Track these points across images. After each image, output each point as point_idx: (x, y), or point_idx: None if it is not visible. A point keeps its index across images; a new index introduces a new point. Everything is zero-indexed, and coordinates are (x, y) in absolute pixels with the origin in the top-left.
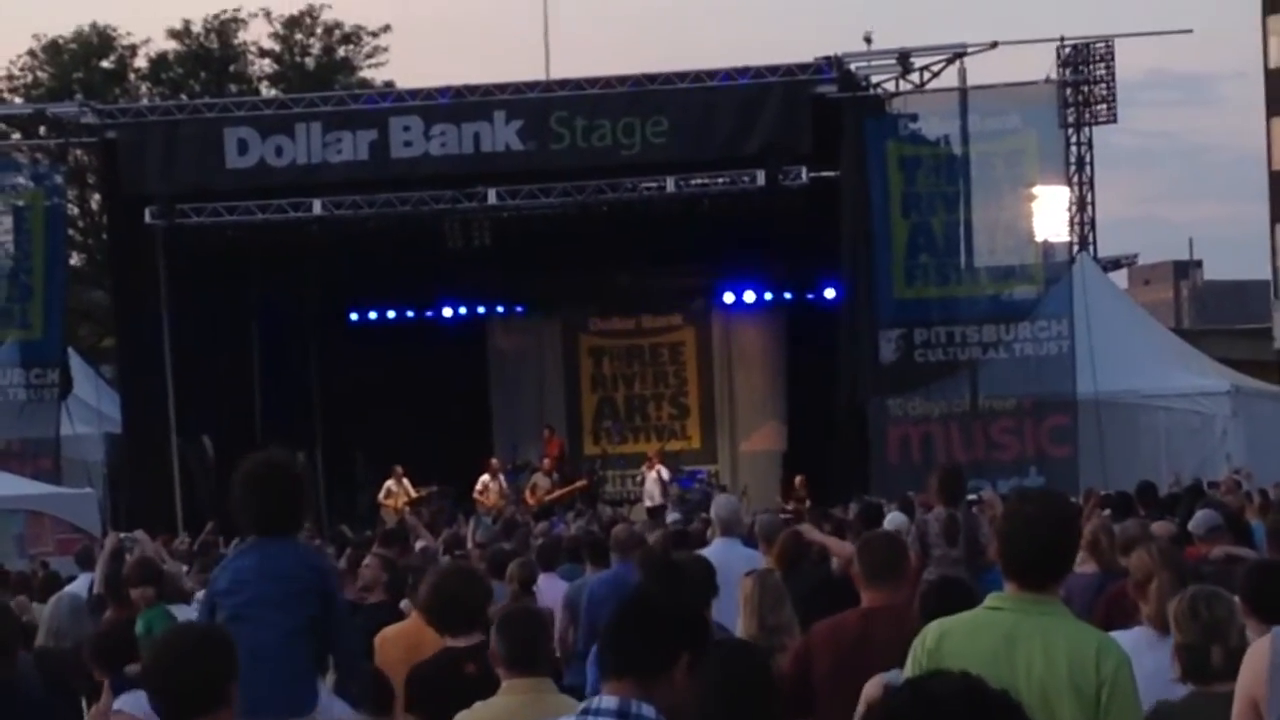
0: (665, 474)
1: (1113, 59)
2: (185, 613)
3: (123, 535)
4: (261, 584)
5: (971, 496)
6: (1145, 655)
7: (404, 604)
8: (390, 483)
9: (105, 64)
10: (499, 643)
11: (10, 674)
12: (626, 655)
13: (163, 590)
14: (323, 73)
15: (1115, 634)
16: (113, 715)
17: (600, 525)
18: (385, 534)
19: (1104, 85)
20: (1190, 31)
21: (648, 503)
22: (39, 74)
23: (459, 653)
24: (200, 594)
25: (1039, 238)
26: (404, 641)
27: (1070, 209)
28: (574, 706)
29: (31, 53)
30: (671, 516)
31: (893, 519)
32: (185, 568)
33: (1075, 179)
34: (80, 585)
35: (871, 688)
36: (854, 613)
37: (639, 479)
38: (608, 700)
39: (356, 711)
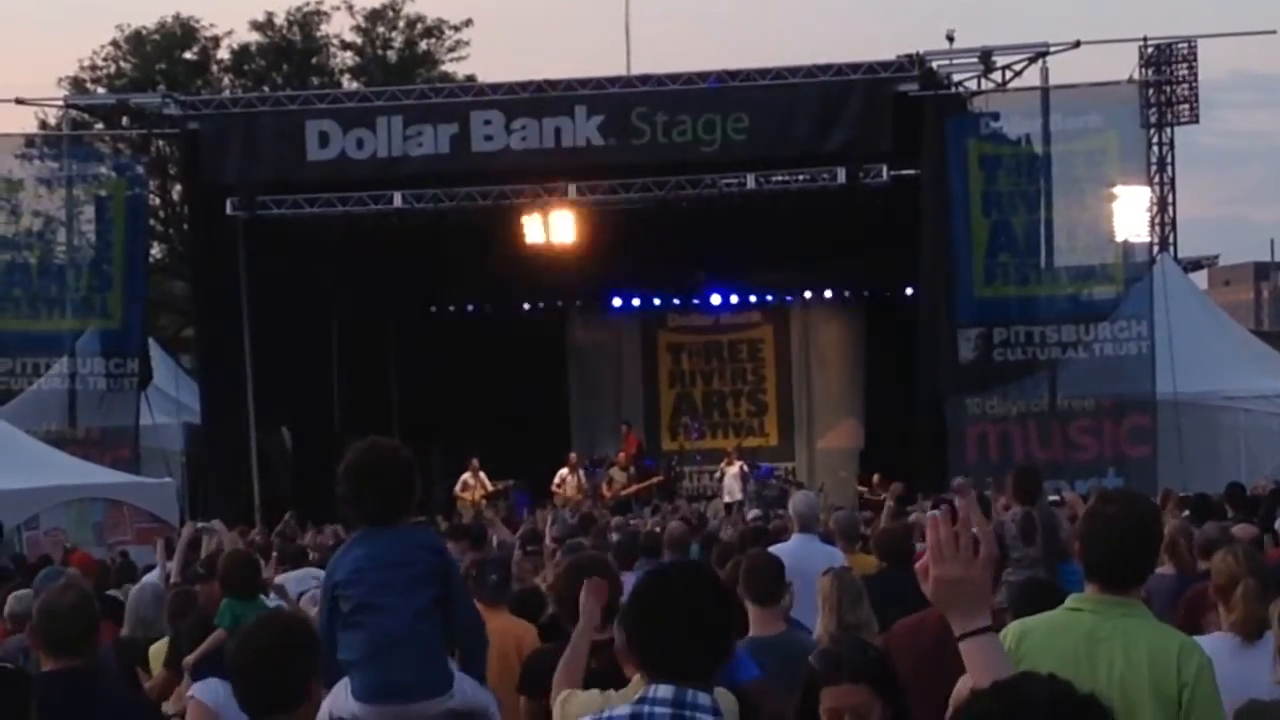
0: (744, 469)
1: (1195, 59)
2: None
3: (200, 525)
4: (382, 571)
5: (1053, 497)
6: (1229, 663)
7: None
8: (466, 475)
9: (188, 55)
10: (624, 635)
11: (92, 663)
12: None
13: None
14: (404, 66)
15: (1197, 638)
16: (185, 701)
17: (681, 520)
18: (454, 529)
19: (1186, 85)
20: (1273, 32)
21: (726, 498)
22: (122, 64)
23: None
24: (283, 581)
25: (1119, 238)
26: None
27: (1151, 209)
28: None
29: (115, 43)
30: (752, 513)
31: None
32: (262, 558)
33: (1156, 179)
34: (158, 574)
35: (963, 687)
36: (935, 612)
37: (718, 475)
38: (663, 690)
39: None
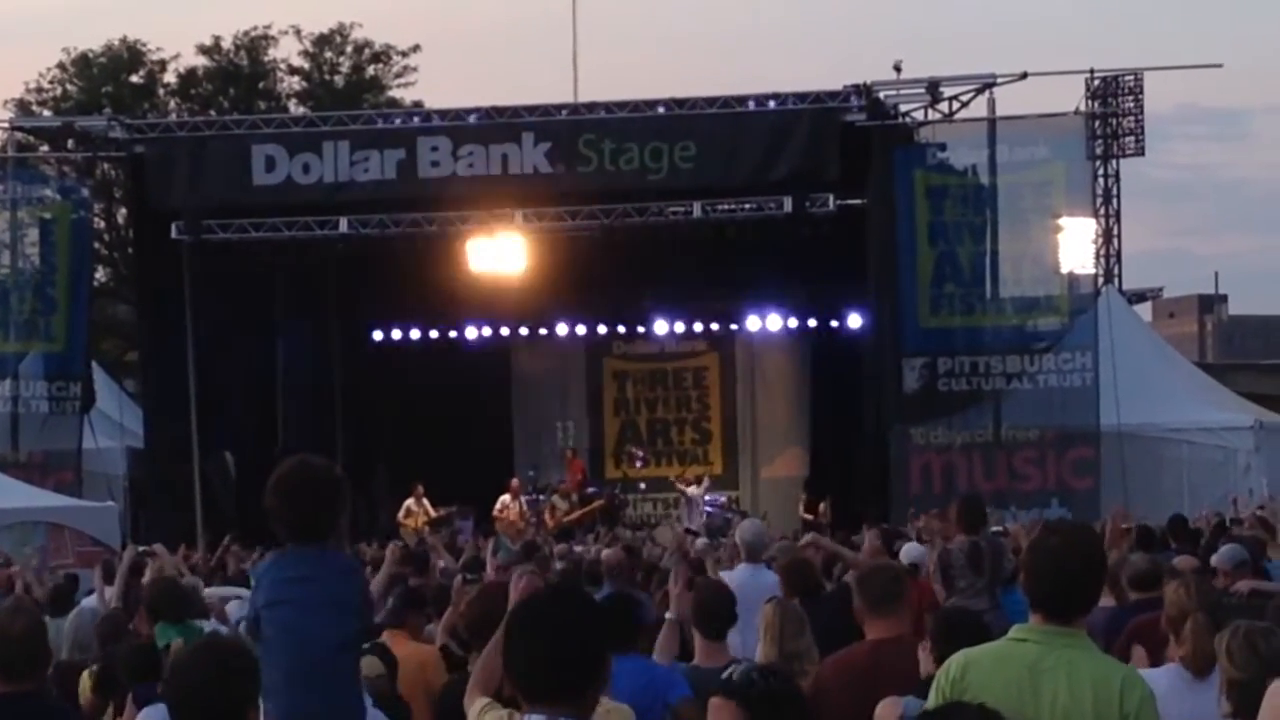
0: (697, 495)
1: (1141, 92)
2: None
3: (140, 549)
4: (305, 593)
5: (997, 527)
6: (1180, 697)
7: (429, 628)
8: (410, 502)
9: (134, 79)
10: None
11: (41, 688)
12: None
13: (179, 610)
14: (351, 91)
15: (1148, 672)
16: None
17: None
18: (402, 555)
19: (1132, 118)
20: (1220, 66)
21: (686, 524)
22: (68, 87)
23: None
24: (218, 599)
25: (1064, 269)
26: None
27: (1096, 241)
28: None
29: (61, 66)
30: (699, 541)
31: (908, 551)
32: (204, 582)
33: (1102, 211)
34: (95, 601)
35: (884, 709)
36: (863, 645)
37: (678, 499)
38: (535, 718)
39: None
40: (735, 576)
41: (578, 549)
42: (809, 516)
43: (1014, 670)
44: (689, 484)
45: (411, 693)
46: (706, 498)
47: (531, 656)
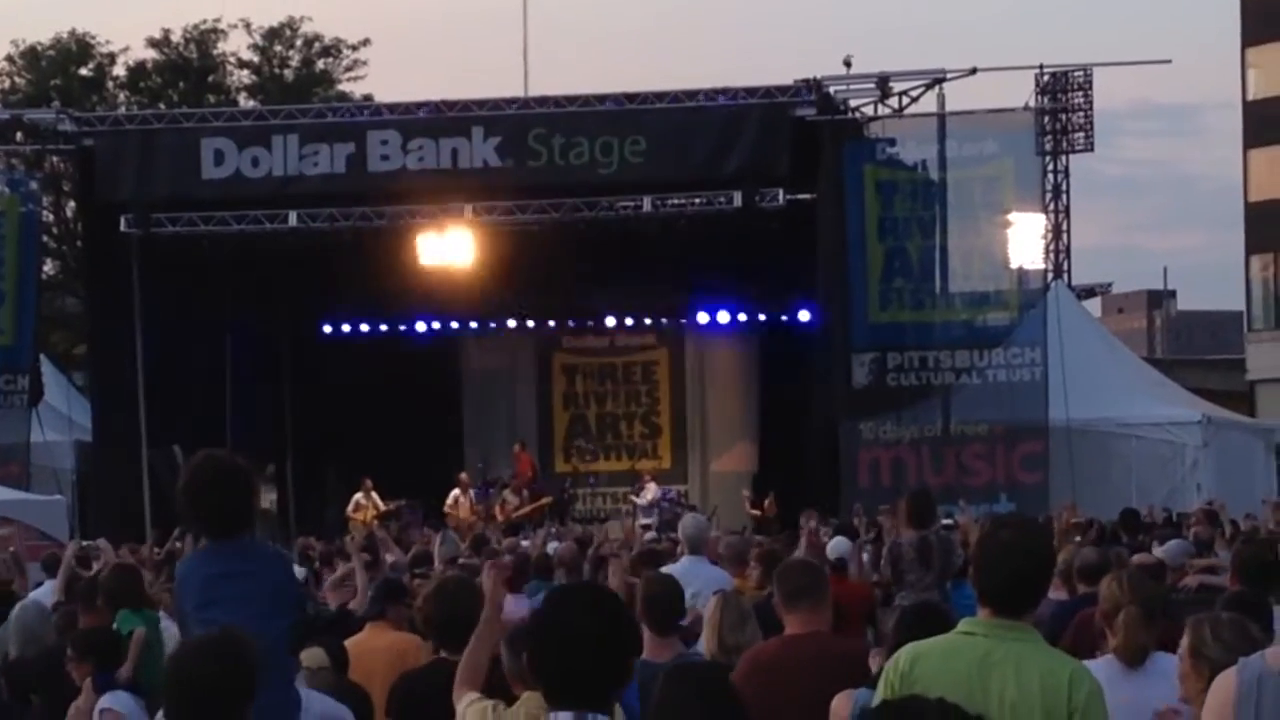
0: (654, 493)
1: (1091, 88)
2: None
3: (85, 543)
4: (239, 587)
5: (946, 521)
6: (1118, 687)
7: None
8: (359, 495)
9: (83, 71)
10: (512, 658)
11: None
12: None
13: (139, 597)
14: (301, 85)
15: (1086, 663)
16: (102, 714)
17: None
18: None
19: (1082, 114)
20: (1169, 62)
21: (643, 520)
22: (16, 80)
23: (456, 667)
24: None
25: (1014, 264)
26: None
27: (1046, 236)
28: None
29: (9, 58)
30: (647, 535)
31: (835, 546)
32: (152, 576)
33: (1051, 206)
34: (45, 592)
35: (839, 702)
36: (773, 641)
37: (636, 490)
38: (562, 717)
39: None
40: (677, 569)
41: (524, 543)
42: (756, 512)
43: (962, 664)
44: (639, 491)
45: (390, 682)
46: (662, 491)
47: (563, 661)
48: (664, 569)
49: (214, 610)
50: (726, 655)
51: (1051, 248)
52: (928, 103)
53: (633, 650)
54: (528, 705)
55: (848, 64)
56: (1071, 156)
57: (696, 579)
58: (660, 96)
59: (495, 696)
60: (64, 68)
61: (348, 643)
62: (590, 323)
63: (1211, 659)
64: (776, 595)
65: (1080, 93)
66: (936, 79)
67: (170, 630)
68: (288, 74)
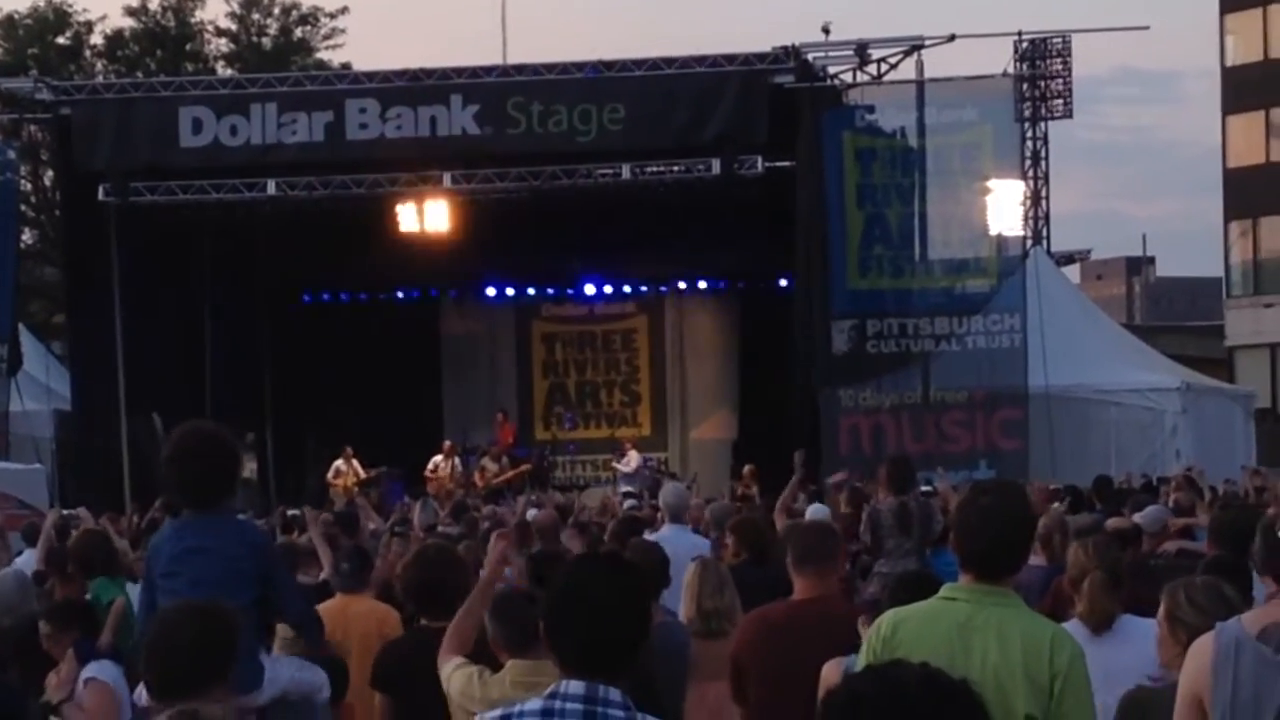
0: (636, 460)
1: (1070, 54)
2: (131, 589)
3: (65, 512)
4: (201, 565)
5: (925, 488)
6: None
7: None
8: (339, 463)
9: (61, 40)
10: (497, 626)
11: None
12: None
13: (112, 564)
14: (279, 53)
15: None
16: (87, 684)
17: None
18: (329, 516)
19: (1061, 80)
20: (1147, 28)
21: (624, 487)
22: None
23: (437, 634)
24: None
25: (993, 231)
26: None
27: (1024, 203)
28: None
29: None
30: (627, 503)
31: (814, 511)
32: (131, 546)
33: (1030, 173)
34: (25, 561)
35: (829, 670)
36: (781, 603)
37: (619, 457)
38: (574, 685)
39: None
40: (659, 538)
41: (500, 510)
42: (747, 490)
43: (944, 628)
44: (621, 456)
45: (367, 651)
46: (643, 459)
47: (582, 630)
48: (649, 537)
49: (174, 581)
50: (705, 620)
51: (1030, 214)
52: (906, 70)
53: (649, 621)
54: (512, 672)
55: (826, 31)
56: (1050, 123)
57: (679, 547)
58: (639, 64)
59: (480, 663)
60: (41, 36)
61: (320, 609)
62: (570, 291)
63: (1187, 623)
64: (790, 554)
65: (1059, 59)
66: (915, 46)
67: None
68: (266, 42)
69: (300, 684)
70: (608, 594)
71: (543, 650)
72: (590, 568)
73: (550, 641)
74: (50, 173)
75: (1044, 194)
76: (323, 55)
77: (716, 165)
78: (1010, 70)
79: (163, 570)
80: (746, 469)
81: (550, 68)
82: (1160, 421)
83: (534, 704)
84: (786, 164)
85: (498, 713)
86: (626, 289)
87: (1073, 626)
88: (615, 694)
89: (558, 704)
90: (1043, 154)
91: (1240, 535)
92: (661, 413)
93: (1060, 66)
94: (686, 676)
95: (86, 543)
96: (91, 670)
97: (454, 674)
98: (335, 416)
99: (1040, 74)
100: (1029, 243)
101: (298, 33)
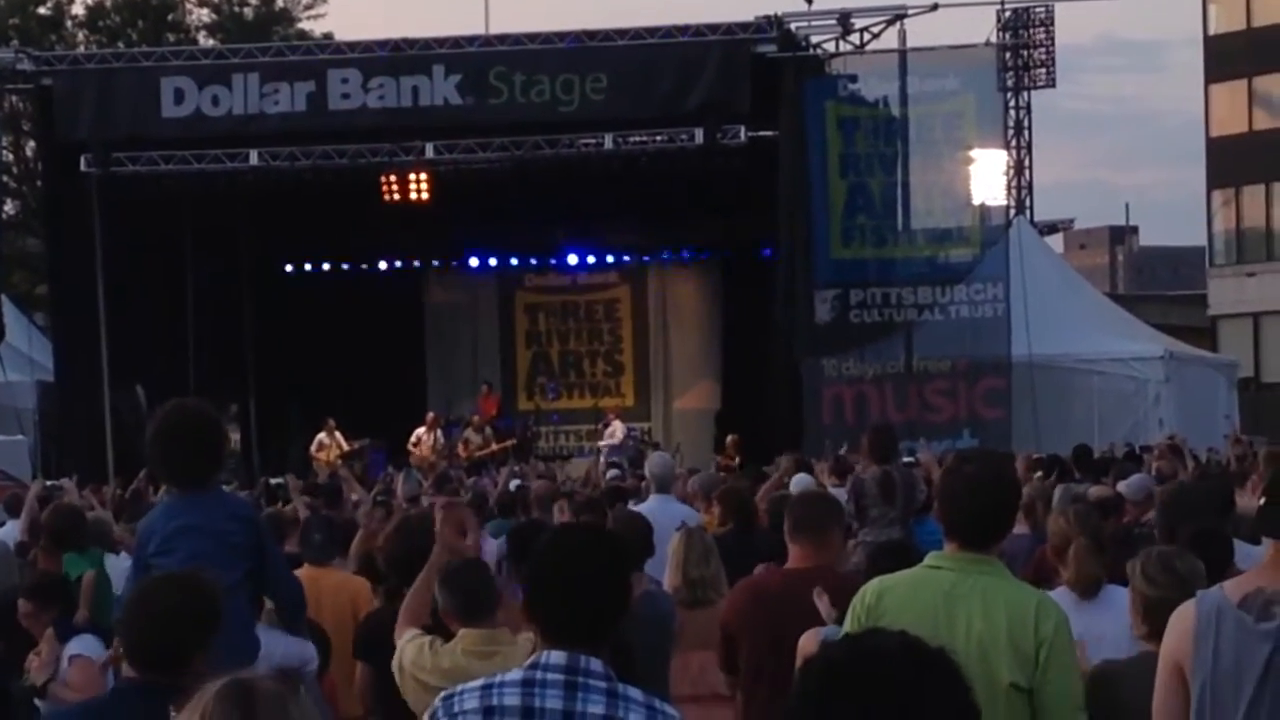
0: (621, 432)
1: (1052, 23)
2: (113, 561)
3: (49, 483)
4: (194, 542)
5: (908, 458)
6: (1072, 619)
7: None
8: (322, 435)
9: (42, 10)
10: (447, 595)
11: None
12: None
13: (83, 538)
14: (261, 23)
15: None
16: (71, 661)
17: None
18: (312, 487)
19: (1043, 50)
20: None
21: (610, 458)
22: None
23: None
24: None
25: (976, 201)
26: (346, 594)
27: (1007, 172)
28: (527, 653)
29: None
30: (610, 473)
31: (798, 481)
32: (115, 517)
33: (1013, 143)
34: (8, 532)
35: (807, 640)
36: (775, 572)
37: (604, 427)
38: (555, 656)
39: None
40: (646, 508)
41: (483, 482)
42: (730, 462)
43: (929, 596)
44: (606, 427)
45: (340, 623)
46: (627, 429)
47: (565, 601)
48: (635, 507)
49: (166, 559)
50: (691, 589)
51: (1013, 184)
52: (889, 39)
53: (629, 592)
54: (464, 641)
55: (809, 0)
56: (1033, 92)
57: (665, 516)
58: (621, 33)
59: (434, 633)
60: (22, 7)
61: None
62: (552, 261)
63: (1144, 595)
64: (787, 522)
65: (1042, 28)
66: (898, 15)
67: (119, 567)
68: (247, 12)
69: (290, 657)
70: (588, 564)
71: (495, 619)
72: (571, 538)
73: (531, 612)
74: (32, 143)
75: (1027, 163)
76: (305, 25)
77: (699, 135)
78: (993, 39)
79: (156, 550)
80: (730, 439)
81: (533, 37)
82: (1143, 390)
83: (515, 674)
84: (769, 134)
85: (479, 683)
86: (609, 259)
87: (1059, 594)
88: (596, 664)
89: (539, 674)
90: (1026, 123)
91: (1219, 504)
92: (644, 383)
93: (1043, 36)
94: (671, 646)
95: (59, 517)
96: (74, 647)
97: (406, 645)
98: (318, 387)
99: (1023, 43)
100: (1012, 212)
101: (279, 2)
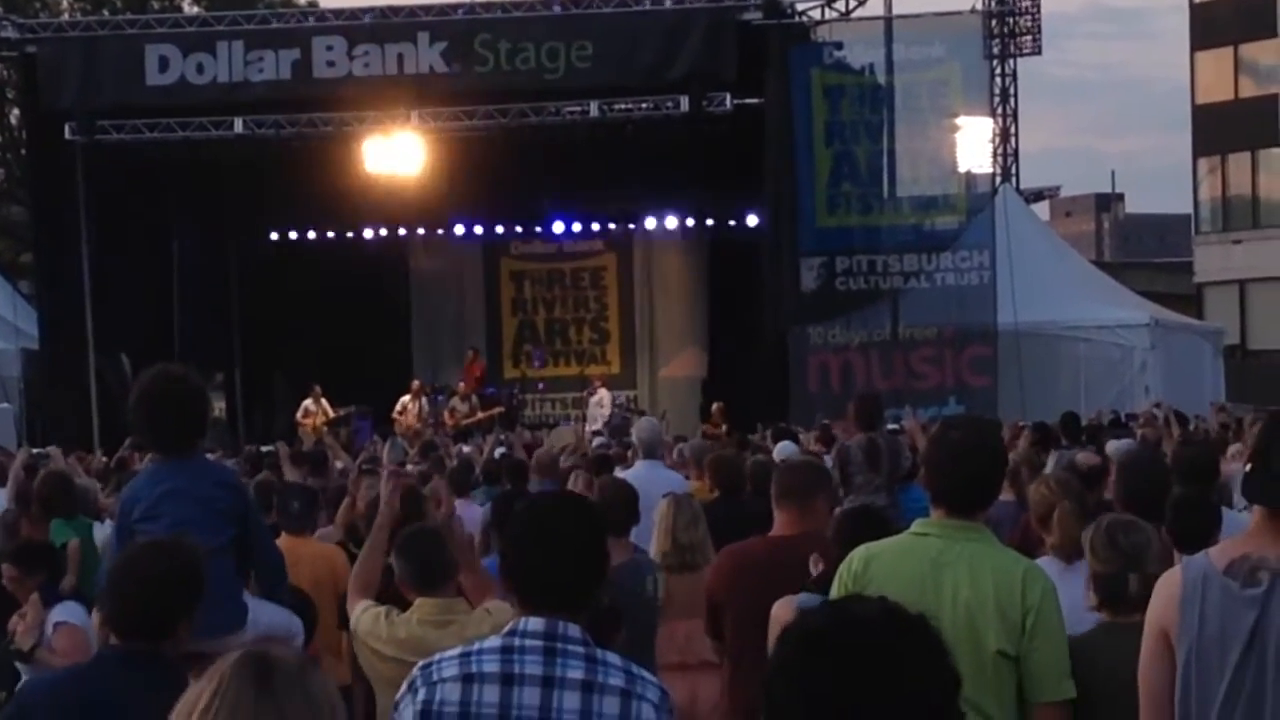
0: (608, 401)
1: None
2: (99, 529)
3: (35, 451)
4: (179, 509)
5: (893, 426)
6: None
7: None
8: (308, 402)
9: None
10: (403, 564)
11: None
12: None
13: (72, 506)
14: None
15: None
16: (56, 628)
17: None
18: (298, 455)
19: (1030, 17)
20: None
21: (592, 426)
22: None
23: None
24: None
25: (962, 168)
26: (325, 563)
27: (994, 140)
28: (483, 623)
29: None
30: (596, 440)
31: (782, 449)
32: (100, 484)
33: (999, 110)
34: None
35: (780, 609)
36: (760, 539)
37: (590, 394)
38: (534, 622)
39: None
40: (634, 474)
41: (467, 449)
42: (716, 430)
43: (916, 564)
44: (593, 394)
45: (319, 591)
46: (613, 398)
47: (544, 568)
48: (623, 474)
49: (151, 525)
50: (679, 554)
51: (999, 151)
52: (874, 6)
53: (607, 560)
54: (420, 610)
55: None
56: (1019, 60)
57: (653, 482)
58: (607, 1)
59: (389, 603)
60: None
61: None
62: (538, 229)
63: (1092, 568)
64: (774, 489)
65: None
66: None
67: (104, 535)
68: None
69: (276, 627)
70: (564, 531)
71: (451, 588)
72: (547, 506)
73: (508, 579)
74: (16, 111)
75: (1013, 131)
76: None
77: (685, 103)
78: (979, 6)
79: (141, 515)
80: (715, 407)
81: (518, 5)
82: (1129, 358)
83: (493, 641)
84: (755, 101)
85: (457, 651)
86: (595, 226)
87: (1046, 562)
88: (574, 630)
89: (517, 640)
90: (1011, 91)
91: (1203, 471)
92: (630, 351)
93: (1029, 3)
94: (656, 615)
95: (48, 484)
96: (59, 614)
97: (361, 615)
98: (304, 355)
99: (1009, 10)
100: (998, 180)
101: None
